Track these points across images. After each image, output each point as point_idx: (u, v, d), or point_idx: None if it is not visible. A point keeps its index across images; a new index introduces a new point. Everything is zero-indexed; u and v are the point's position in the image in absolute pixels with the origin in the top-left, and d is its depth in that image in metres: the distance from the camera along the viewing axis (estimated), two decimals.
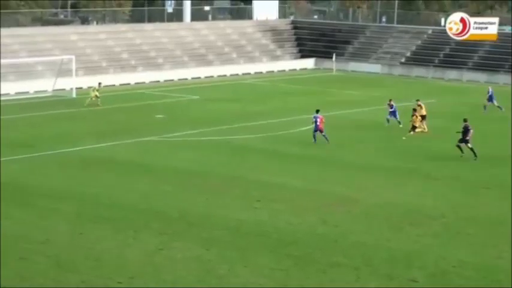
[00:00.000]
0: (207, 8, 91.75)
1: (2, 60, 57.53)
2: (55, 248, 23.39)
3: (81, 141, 39.22)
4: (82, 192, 29.71)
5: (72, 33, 68.94)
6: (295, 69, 75.62)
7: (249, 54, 76.69)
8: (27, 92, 55.72)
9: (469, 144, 36.32)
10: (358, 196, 29.94)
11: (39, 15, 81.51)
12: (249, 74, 71.51)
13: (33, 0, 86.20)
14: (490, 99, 51.11)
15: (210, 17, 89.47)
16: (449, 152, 38.27)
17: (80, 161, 34.99)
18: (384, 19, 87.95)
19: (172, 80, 65.80)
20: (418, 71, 72.92)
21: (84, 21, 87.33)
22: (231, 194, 29.99)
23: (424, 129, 42.58)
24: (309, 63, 77.79)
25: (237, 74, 70.89)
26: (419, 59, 74.94)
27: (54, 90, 56.13)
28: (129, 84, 62.96)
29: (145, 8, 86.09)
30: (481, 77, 69.37)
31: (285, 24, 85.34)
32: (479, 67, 71.07)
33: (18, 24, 74.13)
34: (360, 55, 77.79)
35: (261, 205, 28.46)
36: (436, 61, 74.04)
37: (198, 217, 26.78)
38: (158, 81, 65.06)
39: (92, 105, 49.81)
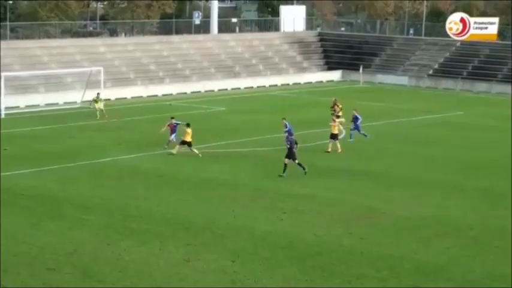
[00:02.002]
0: (234, 20, 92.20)
1: (33, 72, 58.22)
2: (82, 259, 23.54)
3: (110, 152, 39.48)
4: (110, 203, 29.91)
5: (101, 45, 69.54)
6: (321, 81, 75.62)
7: (276, 66, 76.84)
8: (56, 104, 56.22)
9: (296, 160, 34.83)
10: (385, 208, 29.83)
11: (69, 27, 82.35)
12: (276, 85, 71.61)
13: (63, 11, 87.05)
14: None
15: (237, 29, 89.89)
16: (476, 163, 38.08)
17: (108, 172, 35.23)
18: (411, 31, 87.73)
19: (199, 92, 66.06)
20: (446, 83, 72.54)
21: (113, 33, 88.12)
22: (257, 205, 30.03)
23: (337, 149, 39.74)
24: (336, 75, 77.75)
25: (264, 86, 71.04)
26: (447, 71, 74.60)
27: (82, 102, 56.57)
28: (156, 95, 63.32)
29: (173, 20, 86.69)
30: (510, 89, 68.77)
31: (312, 36, 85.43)
32: (509, 79, 70.49)
33: (48, 35, 74.93)
34: (387, 67, 77.61)
35: (287, 216, 28.46)
36: (465, 73, 73.64)
37: (225, 228, 26.84)
38: (185, 92, 65.35)
39: (103, 117, 49.51)
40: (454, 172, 36.46)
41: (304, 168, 34.72)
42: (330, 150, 39.91)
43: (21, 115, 51.64)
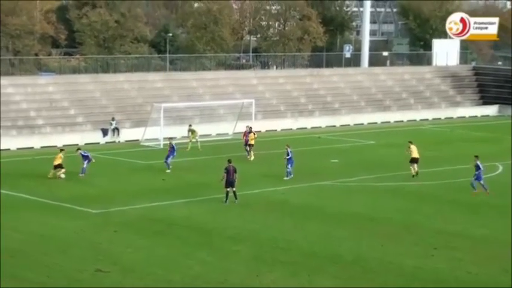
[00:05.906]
0: (385, 53, 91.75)
1: (189, 103, 59.81)
2: None
3: (259, 184, 40.04)
4: (259, 234, 30.27)
5: (253, 77, 70.92)
6: (475, 116, 73.74)
7: (427, 100, 75.69)
8: (209, 135, 57.58)
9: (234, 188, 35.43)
10: None
11: (223, 60, 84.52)
12: (427, 120, 70.49)
13: (218, 44, 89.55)
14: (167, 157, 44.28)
15: (388, 62, 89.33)
16: None
17: (256, 204, 35.70)
18: None
19: (348, 125, 65.95)
20: None
21: (264, 65, 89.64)
22: (406, 240, 29.59)
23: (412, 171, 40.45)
24: (492, 110, 75.62)
25: (415, 120, 70.09)
26: None
27: (234, 133, 57.74)
28: (305, 128, 63.74)
29: (324, 53, 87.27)
30: None
31: (466, 70, 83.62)
32: None
33: (203, 68, 77.25)
34: None
35: (438, 253, 27.88)
36: None
37: (373, 262, 26.61)
38: (334, 125, 65.43)
39: (196, 149, 50.47)
40: None
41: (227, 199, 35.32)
42: (414, 173, 41.11)
43: (177, 146, 53.12)
